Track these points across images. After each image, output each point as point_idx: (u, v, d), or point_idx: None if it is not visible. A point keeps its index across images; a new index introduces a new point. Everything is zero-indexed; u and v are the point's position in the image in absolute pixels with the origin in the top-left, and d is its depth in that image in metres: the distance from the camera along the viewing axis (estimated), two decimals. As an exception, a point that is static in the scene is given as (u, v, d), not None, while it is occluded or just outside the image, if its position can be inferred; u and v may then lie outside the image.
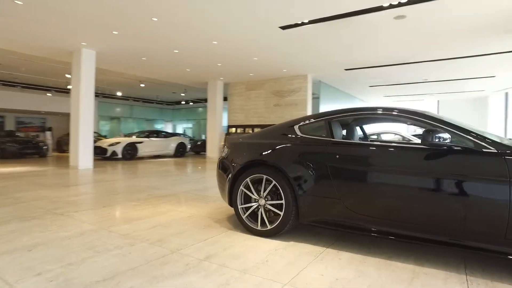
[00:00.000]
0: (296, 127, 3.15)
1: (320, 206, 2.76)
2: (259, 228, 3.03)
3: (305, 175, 2.82)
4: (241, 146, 3.39)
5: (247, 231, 3.12)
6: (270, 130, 3.41)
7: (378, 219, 2.54)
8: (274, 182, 2.94)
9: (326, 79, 12.96)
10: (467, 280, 2.16)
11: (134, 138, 11.99)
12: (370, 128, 6.97)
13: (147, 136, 12.52)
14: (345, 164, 2.70)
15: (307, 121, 3.15)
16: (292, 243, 2.86)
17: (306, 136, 3.05)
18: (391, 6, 5.90)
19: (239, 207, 3.16)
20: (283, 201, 2.88)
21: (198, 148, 15.84)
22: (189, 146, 14.47)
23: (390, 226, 2.50)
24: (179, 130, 24.25)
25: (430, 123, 2.53)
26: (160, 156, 13.16)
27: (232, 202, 3.26)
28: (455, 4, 5.79)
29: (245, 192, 3.15)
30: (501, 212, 2.10)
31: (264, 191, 3.03)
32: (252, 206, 3.11)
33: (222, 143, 13.32)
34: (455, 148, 2.33)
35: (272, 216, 3.08)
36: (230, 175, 3.25)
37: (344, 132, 3.16)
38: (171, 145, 13.07)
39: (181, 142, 13.48)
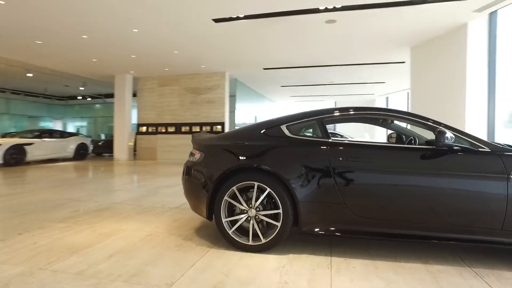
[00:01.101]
0: (283, 127, 2.87)
1: (323, 213, 2.56)
2: (250, 243, 2.64)
3: (305, 179, 2.57)
4: (220, 149, 2.92)
5: (234, 247, 2.70)
6: (248, 131, 3.03)
7: (388, 221, 2.48)
8: (268, 189, 2.60)
9: (242, 78, 12.95)
10: (475, 272, 2.28)
11: (20, 139, 9.65)
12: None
13: (39, 136, 10.26)
14: (349, 167, 2.56)
15: (296, 121, 2.90)
16: (291, 256, 2.58)
17: (298, 137, 2.80)
18: (327, 10, 6.13)
19: (224, 220, 2.71)
20: (280, 210, 2.58)
21: (100, 149, 13.89)
22: (91, 147, 12.52)
23: (400, 227, 2.47)
24: (70, 129, 20.88)
25: (430, 125, 2.61)
26: (55, 159, 10.98)
27: (211, 215, 2.78)
28: (375, 18, 6.40)
29: (230, 202, 2.72)
30: (500, 205, 2.28)
31: (256, 201, 2.66)
32: (240, 219, 2.69)
33: (131, 144, 11.98)
34: (460, 148, 2.44)
35: (262, 228, 2.73)
36: (209, 184, 2.76)
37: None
38: (69, 146, 11.03)
39: (81, 143, 11.53)
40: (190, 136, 10.64)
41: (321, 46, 8.58)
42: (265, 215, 2.65)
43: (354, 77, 12.70)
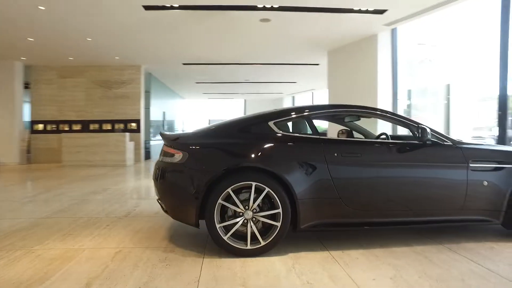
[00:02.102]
0: (271, 124, 2.78)
1: (320, 209, 2.58)
2: (249, 247, 2.49)
3: (303, 177, 2.55)
4: (208, 148, 2.66)
5: (229, 253, 2.50)
6: (230, 127, 2.86)
7: (379, 211, 2.66)
8: (267, 189, 2.48)
9: (156, 73, 12.14)
10: (447, 248, 2.64)
11: None
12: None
13: None
14: (346, 163, 2.65)
15: (284, 118, 2.85)
16: (291, 255, 2.54)
17: (289, 134, 2.76)
18: (265, 8, 6.21)
19: (218, 226, 2.47)
20: (279, 210, 2.50)
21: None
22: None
23: (388, 216, 2.68)
24: None
25: (408, 123, 2.89)
26: None
27: (200, 221, 2.52)
28: (304, 21, 6.78)
29: (223, 206, 2.50)
30: (463, 188, 2.69)
31: (253, 202, 2.50)
32: (237, 223, 2.50)
33: (25, 144, 10.00)
34: (436, 142, 2.78)
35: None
36: (200, 187, 2.48)
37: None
38: None
39: None
40: (101, 134, 9.46)
41: (250, 44, 8.67)
42: (263, 216, 2.52)
43: (269, 76, 13.22)
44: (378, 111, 3.03)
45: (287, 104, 20.40)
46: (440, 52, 7.12)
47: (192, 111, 23.16)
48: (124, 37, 7.67)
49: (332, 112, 3.14)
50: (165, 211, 2.81)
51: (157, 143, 12.56)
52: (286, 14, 6.49)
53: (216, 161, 2.54)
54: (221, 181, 2.47)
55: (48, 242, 2.81)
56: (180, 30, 7.31)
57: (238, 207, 2.49)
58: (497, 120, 5.71)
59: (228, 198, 2.50)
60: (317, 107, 2.97)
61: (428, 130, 2.69)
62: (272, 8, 6.22)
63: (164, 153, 2.84)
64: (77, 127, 10.41)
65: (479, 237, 2.89)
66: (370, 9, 6.27)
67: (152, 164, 9.56)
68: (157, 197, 3.04)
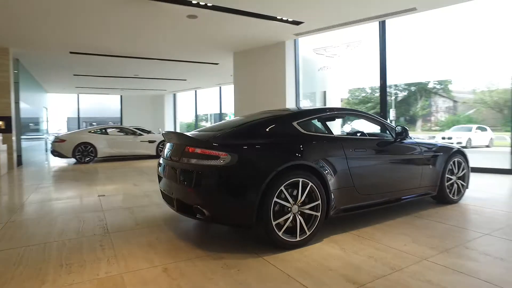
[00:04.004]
0: (295, 124, 3.01)
1: (342, 197, 2.99)
2: (298, 239, 2.68)
3: (332, 171, 2.91)
4: (255, 149, 2.67)
5: (281, 247, 2.62)
6: (258, 127, 2.97)
7: (377, 194, 3.28)
8: (310, 183, 2.73)
9: (26, 59, 9.81)
10: (415, 216, 3.50)
11: None
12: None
13: None
14: (358, 156, 3.14)
15: (305, 118, 3.12)
16: (326, 240, 2.86)
17: (314, 134, 3.08)
18: (198, 5, 6.08)
19: (274, 223, 2.56)
20: (319, 201, 2.78)
21: None
22: None
23: (381, 197, 3.33)
24: None
25: (379, 121, 3.61)
26: None
27: (257, 221, 2.54)
28: (224, 22, 7.00)
29: (279, 203, 2.60)
30: (420, 170, 3.63)
31: (301, 196, 2.69)
32: (288, 218, 2.64)
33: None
34: (400, 139, 3.58)
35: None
36: (258, 188, 2.49)
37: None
38: None
39: None
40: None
41: (162, 39, 8.21)
42: (308, 208, 2.74)
43: (161, 72, 12.63)
44: (370, 116, 3.68)
45: (168, 102, 19.76)
46: (336, 62, 8.63)
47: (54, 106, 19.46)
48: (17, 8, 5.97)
49: (341, 114, 3.61)
50: (206, 219, 2.63)
51: (30, 144, 10.17)
52: (214, 13, 6.53)
53: (270, 161, 2.60)
54: (274, 180, 2.56)
55: (54, 279, 2.21)
56: (87, 14, 6.27)
57: (290, 202, 2.64)
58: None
59: (278, 196, 2.60)
60: (327, 109, 3.39)
61: (400, 130, 3.49)
62: (205, 6, 6.16)
63: (191, 155, 2.67)
64: None
65: (425, 208, 3.92)
66: (290, 19, 7.03)
67: (29, 171, 7.71)
68: (174, 208, 2.83)
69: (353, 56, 8.31)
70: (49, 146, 11.12)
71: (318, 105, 10.65)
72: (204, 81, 15.20)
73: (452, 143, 6.09)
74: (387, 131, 3.64)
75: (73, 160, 9.84)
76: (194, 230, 3.30)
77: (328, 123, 3.60)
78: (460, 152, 4.09)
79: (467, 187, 4.19)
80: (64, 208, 4.25)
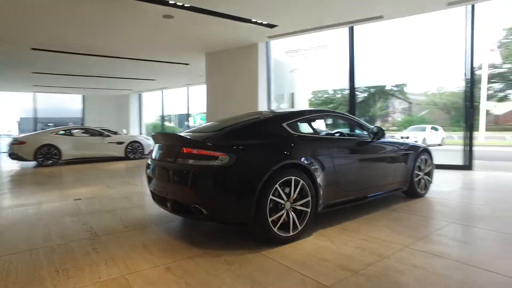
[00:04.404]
0: (284, 125, 3.17)
1: (328, 193, 3.19)
2: (291, 233, 2.83)
3: (320, 169, 3.10)
4: (252, 149, 2.79)
5: (275, 242, 2.75)
6: (252, 128, 3.11)
7: (357, 191, 3.52)
8: (301, 181, 2.89)
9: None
10: (393, 210, 3.81)
11: None
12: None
13: None
14: (341, 155, 3.36)
15: (291, 120, 3.27)
16: (316, 234, 3.04)
17: (303, 134, 3.24)
18: (176, 6, 6.05)
19: (270, 219, 2.69)
20: (309, 198, 2.96)
21: None
22: None
23: (361, 192, 3.58)
24: None
25: (358, 123, 3.88)
26: None
27: (255, 218, 2.65)
28: (196, 23, 7.03)
29: (273, 201, 2.73)
30: (393, 167, 3.95)
31: (294, 193, 2.85)
32: (282, 215, 2.79)
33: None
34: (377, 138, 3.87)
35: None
36: (255, 186, 2.61)
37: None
38: None
39: None
40: None
41: (134, 38, 8.03)
42: (300, 205, 2.90)
43: (129, 71, 12.27)
44: (350, 117, 3.92)
45: (133, 102, 19.15)
46: (305, 64, 8.96)
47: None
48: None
49: (324, 115, 3.80)
50: (205, 217, 2.70)
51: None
52: (191, 14, 6.52)
53: (266, 161, 2.73)
54: (270, 178, 2.69)
55: (53, 285, 2.17)
56: (54, 9, 5.99)
57: (283, 199, 2.78)
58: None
59: (273, 193, 2.73)
60: (312, 111, 3.57)
61: (377, 130, 3.78)
62: (183, 7, 6.14)
63: (189, 156, 2.72)
64: None
65: (398, 202, 4.26)
66: (265, 22, 7.20)
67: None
68: (168, 209, 2.88)
69: (320, 59, 8.71)
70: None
71: (286, 106, 10.97)
72: (173, 81, 14.96)
73: (417, 142, 6.59)
74: (365, 132, 3.92)
75: (30, 163, 9.28)
76: (185, 229, 3.33)
77: (310, 124, 3.80)
78: (427, 150, 4.50)
79: (431, 182, 4.61)
80: (39, 213, 4.05)
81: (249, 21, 7.04)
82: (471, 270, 2.25)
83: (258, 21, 7.12)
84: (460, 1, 6.15)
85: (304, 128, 3.58)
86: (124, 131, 15.47)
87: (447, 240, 2.84)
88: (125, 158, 10.40)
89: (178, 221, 3.55)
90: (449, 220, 3.37)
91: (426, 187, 4.49)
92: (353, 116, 4.13)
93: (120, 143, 10.38)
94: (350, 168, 3.49)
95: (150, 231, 3.27)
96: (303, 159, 2.96)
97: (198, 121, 23.91)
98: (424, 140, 15.08)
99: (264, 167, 2.68)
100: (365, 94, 29.65)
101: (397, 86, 29.50)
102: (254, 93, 8.97)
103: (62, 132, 9.86)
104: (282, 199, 2.78)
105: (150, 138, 12.40)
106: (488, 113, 26.29)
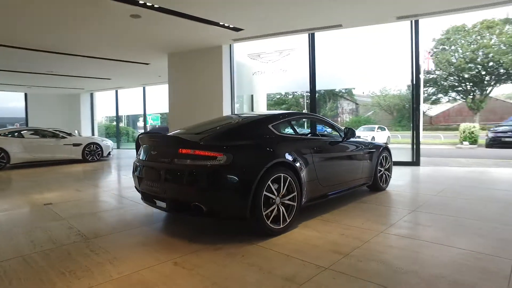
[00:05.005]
0: (270, 126, 3.44)
1: (310, 188, 3.53)
2: (281, 226, 3.11)
3: (303, 166, 3.42)
4: (246, 149, 3.01)
5: (267, 235, 3.00)
6: (242, 129, 3.33)
7: (332, 186, 3.91)
8: (289, 178, 3.18)
9: None
10: (363, 202, 4.28)
11: None
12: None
13: None
14: (319, 154, 3.71)
15: (276, 122, 3.56)
16: (301, 225, 3.35)
17: (287, 135, 3.53)
18: (145, 6, 6.02)
19: (264, 213, 2.94)
20: (295, 193, 3.26)
21: None
22: None
23: (336, 187, 3.98)
24: None
25: (331, 124, 4.29)
26: None
27: (251, 213, 2.88)
28: (169, 24, 7.06)
29: (266, 195, 2.98)
30: (361, 164, 4.44)
31: (283, 189, 3.13)
32: (274, 209, 3.05)
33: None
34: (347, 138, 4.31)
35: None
36: (252, 183, 2.84)
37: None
38: None
39: None
40: None
41: (94, 36, 7.72)
42: (288, 199, 3.19)
43: (83, 69, 11.69)
44: (323, 119, 4.30)
45: (85, 101, 18.11)
46: (264, 67, 9.31)
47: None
48: None
49: (303, 117, 4.12)
50: (204, 214, 2.85)
51: None
52: (157, 14, 6.50)
53: (259, 160, 2.97)
54: (264, 176, 2.94)
55: (66, 285, 2.20)
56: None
57: (274, 195, 3.05)
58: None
59: (266, 189, 2.98)
60: (293, 113, 3.89)
61: (347, 131, 4.22)
62: (152, 7, 6.12)
63: (187, 156, 2.88)
64: None
65: (364, 195, 4.76)
66: (231, 26, 7.41)
67: None
68: (163, 208, 3.00)
69: (281, 63, 9.16)
70: None
71: (246, 107, 11.28)
72: (129, 80, 14.48)
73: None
74: (336, 132, 4.33)
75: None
76: (176, 228, 3.44)
77: (291, 125, 4.14)
78: (387, 149, 5.08)
79: (391, 177, 5.20)
80: (11, 220, 3.86)
81: (217, 24, 7.20)
82: (435, 246, 2.72)
83: (225, 25, 7.31)
84: (407, 16, 6.95)
85: (287, 129, 3.89)
86: (76, 132, 14.64)
87: (412, 225, 3.33)
88: (84, 160, 9.91)
89: (165, 221, 3.65)
90: (410, 209, 3.91)
91: (387, 181, 5.06)
92: (326, 118, 4.54)
93: (77, 145, 9.86)
94: (326, 165, 3.86)
95: (142, 231, 3.33)
96: (289, 157, 3.26)
97: (150, 121, 23.21)
98: (373, 139, 16.39)
99: (259, 165, 2.92)
100: (316, 95, 31.29)
101: (346, 88, 31.35)
102: (219, 94, 9.13)
103: (10, 134, 9.13)
104: (274, 194, 3.05)
105: (108, 139, 11.94)
106: (424, 114, 29.22)
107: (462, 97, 30.34)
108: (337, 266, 2.39)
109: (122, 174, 7.96)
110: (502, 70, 26.66)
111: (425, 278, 2.17)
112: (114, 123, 21.06)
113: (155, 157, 3.20)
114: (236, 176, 2.84)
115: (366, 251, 2.64)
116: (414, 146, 7.70)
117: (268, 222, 2.98)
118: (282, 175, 3.10)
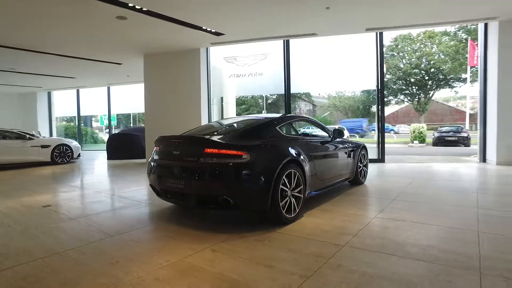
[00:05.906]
0: (277, 128, 3.87)
1: (310, 182, 4.01)
2: (293, 215, 3.54)
3: (306, 163, 3.89)
4: (265, 148, 3.43)
5: (281, 223, 3.42)
6: (254, 130, 3.72)
7: (326, 180, 4.43)
8: (298, 173, 3.63)
9: None
10: (348, 194, 4.86)
11: None
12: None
13: None
14: (316, 152, 4.21)
15: (282, 123, 3.99)
16: (306, 215, 3.81)
17: (292, 136, 3.98)
18: (134, 8, 6.11)
19: (281, 204, 3.35)
20: (302, 186, 3.72)
21: None
22: None
23: (328, 182, 4.51)
24: None
25: (321, 125, 4.82)
26: None
27: (271, 204, 3.27)
28: (153, 26, 7.19)
29: (282, 189, 3.39)
30: (346, 161, 5.03)
31: (293, 183, 3.56)
32: (287, 201, 3.47)
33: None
34: (335, 138, 4.86)
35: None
36: (271, 178, 3.24)
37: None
38: None
39: None
40: None
41: (76, 35, 7.60)
42: (297, 192, 3.63)
43: (46, 67, 11.18)
44: (315, 121, 4.81)
45: (41, 101, 17.04)
46: (238, 71, 9.70)
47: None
48: None
49: (300, 119, 4.57)
50: (231, 206, 3.18)
51: None
52: (143, 16, 6.61)
53: (276, 157, 3.37)
54: (280, 171, 3.35)
55: (126, 272, 2.42)
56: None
57: (287, 188, 3.47)
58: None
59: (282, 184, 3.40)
60: (294, 116, 4.34)
61: (334, 131, 4.78)
62: (140, 10, 6.22)
63: (214, 155, 3.20)
64: None
65: (348, 189, 5.35)
66: (213, 30, 7.70)
67: None
68: (188, 203, 3.28)
69: (255, 67, 9.65)
70: None
71: (216, 108, 11.57)
72: (94, 80, 13.99)
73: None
74: (325, 133, 4.87)
75: None
76: (194, 223, 3.68)
77: (292, 126, 4.59)
78: (365, 147, 5.74)
79: (367, 172, 5.88)
80: (18, 221, 3.84)
81: (200, 28, 7.45)
82: (419, 225, 3.33)
83: (208, 29, 7.58)
84: (375, 28, 7.77)
85: (290, 130, 4.34)
86: (34, 132, 13.81)
87: (397, 210, 3.95)
88: (52, 162, 9.51)
89: (175, 217, 3.89)
90: (391, 198, 4.56)
91: (365, 176, 5.73)
92: (318, 121, 5.07)
93: (45, 146, 9.45)
94: (321, 162, 4.37)
95: (160, 227, 3.54)
96: (297, 155, 3.71)
97: (105, 121, 22.38)
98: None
99: (276, 162, 3.33)
100: (274, 96, 32.23)
101: (305, 92, 32.65)
102: (197, 96, 9.35)
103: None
104: (287, 187, 3.47)
105: (73, 140, 11.48)
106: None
107: (409, 100, 33.20)
108: (351, 243, 2.88)
109: (101, 174, 7.84)
110: (441, 76, 29.73)
111: (421, 248, 2.74)
112: (72, 123, 20.05)
113: (179, 156, 3.46)
114: (258, 172, 3.22)
115: (369, 232, 3.17)
116: (380, 145, 8.57)
117: (284, 212, 3.39)
118: (292, 170, 3.54)
